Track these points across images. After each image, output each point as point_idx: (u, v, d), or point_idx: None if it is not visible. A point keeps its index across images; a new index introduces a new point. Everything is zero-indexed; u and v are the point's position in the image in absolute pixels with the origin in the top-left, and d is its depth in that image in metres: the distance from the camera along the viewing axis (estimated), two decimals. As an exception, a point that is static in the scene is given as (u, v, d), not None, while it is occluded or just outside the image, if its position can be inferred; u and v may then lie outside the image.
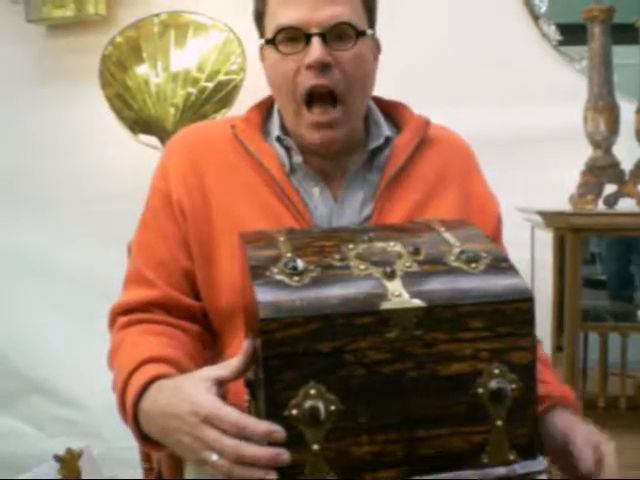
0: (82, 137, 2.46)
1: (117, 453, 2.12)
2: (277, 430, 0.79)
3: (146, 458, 1.39)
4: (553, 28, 2.32)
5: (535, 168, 2.22)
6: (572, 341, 1.83)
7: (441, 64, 2.28)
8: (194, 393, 0.86)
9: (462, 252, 0.89)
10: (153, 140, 2.23)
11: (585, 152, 2.03)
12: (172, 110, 2.22)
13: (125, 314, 1.13)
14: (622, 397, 2.11)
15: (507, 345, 0.84)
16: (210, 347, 1.18)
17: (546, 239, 2.10)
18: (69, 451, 1.78)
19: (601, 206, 1.94)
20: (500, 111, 2.23)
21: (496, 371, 0.84)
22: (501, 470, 0.85)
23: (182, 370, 1.01)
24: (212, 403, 0.84)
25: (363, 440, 0.81)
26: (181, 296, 1.13)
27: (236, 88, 2.19)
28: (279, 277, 0.84)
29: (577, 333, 1.87)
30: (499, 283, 0.86)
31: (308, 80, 1.08)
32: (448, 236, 0.94)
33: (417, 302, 0.82)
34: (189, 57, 2.28)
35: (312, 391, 0.79)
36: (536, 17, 2.31)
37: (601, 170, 1.92)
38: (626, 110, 2.01)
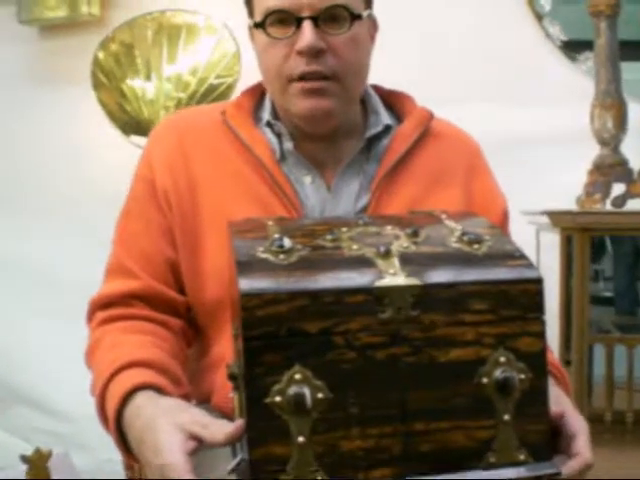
0: (74, 139, 2.41)
1: (103, 465, 2.05)
2: None
3: (128, 467, 1.32)
4: (558, 28, 2.26)
5: (538, 171, 2.16)
6: (581, 338, 1.75)
7: (443, 64, 2.23)
8: (165, 447, 0.78)
9: (464, 234, 0.82)
10: (144, 141, 2.18)
11: (590, 154, 1.98)
12: (163, 112, 2.18)
13: (104, 308, 1.07)
14: (629, 412, 2.04)
15: (514, 330, 0.76)
16: (194, 344, 1.12)
17: (551, 244, 2.02)
18: (37, 451, 1.69)
19: (609, 206, 1.87)
20: (503, 112, 2.17)
21: (502, 359, 0.76)
22: (509, 472, 0.76)
23: (167, 372, 0.95)
24: (180, 471, 0.76)
25: (354, 433, 0.72)
26: (164, 288, 1.07)
27: (230, 88, 2.15)
28: (264, 255, 0.77)
29: (586, 332, 1.78)
30: (504, 263, 0.79)
31: (299, 66, 1.02)
32: (450, 222, 0.87)
33: (414, 280, 0.74)
34: (182, 60, 2.25)
35: (297, 376, 0.71)
36: (540, 17, 2.26)
37: (609, 168, 1.85)
38: (633, 112, 1.96)
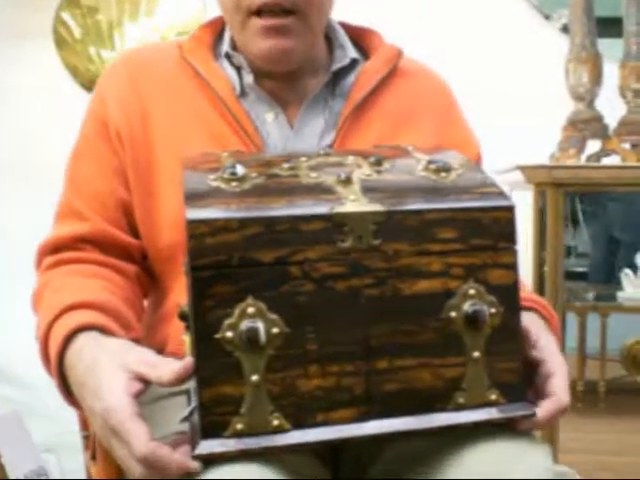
0: (36, 94, 2.33)
1: (62, 436, 1.98)
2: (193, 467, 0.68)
3: (84, 425, 1.25)
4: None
5: (511, 130, 2.11)
6: (555, 296, 1.72)
7: (419, 21, 2.18)
8: (108, 387, 0.72)
9: (431, 162, 0.77)
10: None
11: (564, 115, 1.94)
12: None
13: (53, 253, 1.00)
14: (601, 381, 2.03)
15: (484, 261, 0.71)
16: (150, 295, 1.06)
17: (524, 204, 1.98)
18: (-23, 400, 1.63)
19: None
20: (476, 69, 2.13)
21: (471, 291, 0.71)
22: (480, 413, 0.72)
23: (116, 316, 0.89)
24: (123, 413, 0.70)
25: (313, 371, 0.67)
26: (117, 232, 1.00)
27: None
28: (215, 183, 0.71)
29: (560, 289, 1.75)
30: (474, 191, 0.74)
31: None
32: (418, 154, 0.82)
33: (376, 206, 0.69)
34: (145, 19, 2.22)
35: (250, 309, 0.65)
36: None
37: (584, 124, 1.80)
38: (608, 70, 1.92)
